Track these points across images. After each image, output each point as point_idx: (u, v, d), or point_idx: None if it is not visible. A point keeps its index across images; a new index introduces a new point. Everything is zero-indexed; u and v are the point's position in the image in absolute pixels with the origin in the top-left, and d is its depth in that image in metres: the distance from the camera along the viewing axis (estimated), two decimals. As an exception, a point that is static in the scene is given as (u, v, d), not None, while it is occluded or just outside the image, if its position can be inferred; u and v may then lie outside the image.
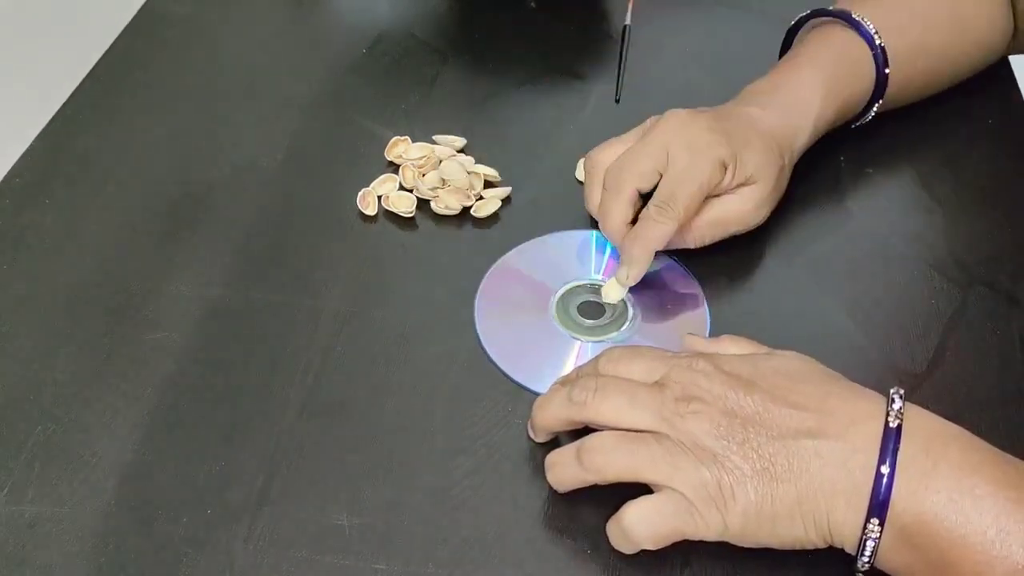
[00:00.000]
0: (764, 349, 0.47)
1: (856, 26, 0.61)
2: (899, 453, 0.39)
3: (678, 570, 0.43)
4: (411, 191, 0.61)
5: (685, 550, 0.43)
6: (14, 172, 0.63)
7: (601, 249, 0.58)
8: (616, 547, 0.43)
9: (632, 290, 0.55)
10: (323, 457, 0.47)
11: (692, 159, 0.53)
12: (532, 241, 0.58)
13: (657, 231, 0.53)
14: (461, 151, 0.64)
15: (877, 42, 0.60)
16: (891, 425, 0.40)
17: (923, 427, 0.41)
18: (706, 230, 0.55)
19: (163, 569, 0.43)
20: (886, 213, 0.61)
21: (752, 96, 0.59)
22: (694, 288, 0.56)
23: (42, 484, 0.46)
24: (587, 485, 0.44)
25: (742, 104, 0.59)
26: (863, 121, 0.64)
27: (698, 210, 0.54)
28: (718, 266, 0.57)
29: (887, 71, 0.61)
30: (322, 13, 0.79)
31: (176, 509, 0.45)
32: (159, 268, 0.56)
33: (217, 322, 0.54)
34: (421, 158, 0.62)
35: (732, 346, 0.48)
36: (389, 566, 0.43)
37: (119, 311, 0.54)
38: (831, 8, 0.63)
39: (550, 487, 0.46)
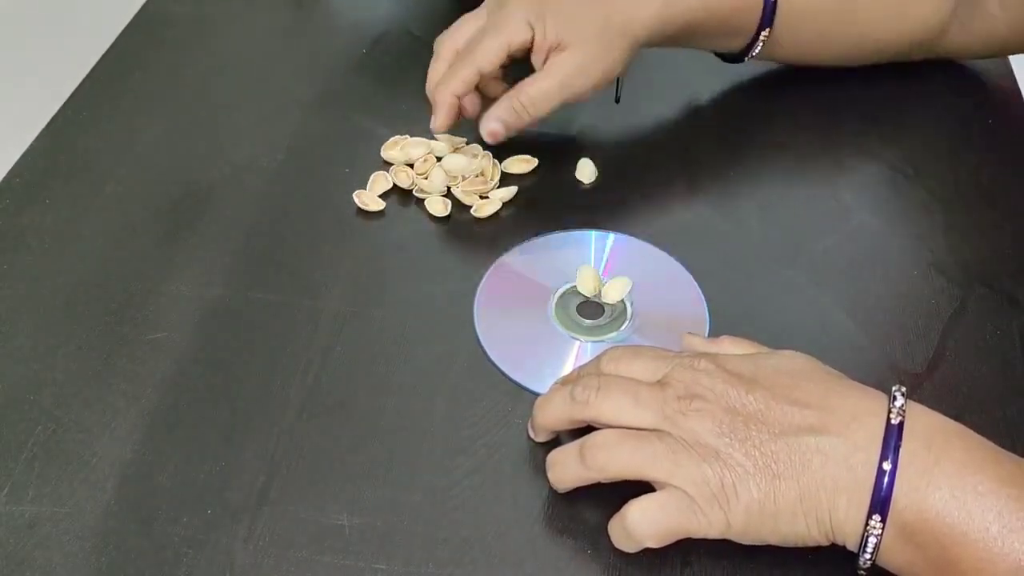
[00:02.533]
0: (764, 349, 0.47)
1: None
2: (901, 450, 0.39)
3: (678, 570, 0.43)
4: (411, 190, 0.61)
5: (685, 549, 0.43)
6: (14, 172, 0.63)
7: (601, 249, 0.58)
8: (618, 546, 0.43)
9: (632, 290, 0.55)
10: (323, 457, 0.47)
11: (497, 16, 0.56)
12: (532, 241, 0.58)
13: (455, 76, 0.57)
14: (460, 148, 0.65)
15: None
16: (893, 422, 0.40)
17: (925, 424, 0.41)
18: (533, 96, 0.57)
19: (163, 569, 0.43)
20: (886, 213, 0.61)
21: None
22: (693, 288, 0.56)
23: (42, 484, 0.46)
24: (589, 483, 0.44)
25: None
26: (753, 51, 0.64)
27: (500, 65, 0.57)
28: (718, 266, 0.57)
29: None
30: (322, 13, 0.79)
31: (176, 509, 0.45)
32: (159, 268, 0.56)
33: (217, 322, 0.54)
34: (419, 158, 0.62)
35: (732, 346, 0.48)
36: (389, 566, 0.43)
37: (119, 311, 0.54)
38: None
39: (550, 487, 0.46)
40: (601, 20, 0.57)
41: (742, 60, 0.65)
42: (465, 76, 0.57)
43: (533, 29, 0.56)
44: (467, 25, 0.60)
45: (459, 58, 0.58)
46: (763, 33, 0.62)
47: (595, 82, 0.58)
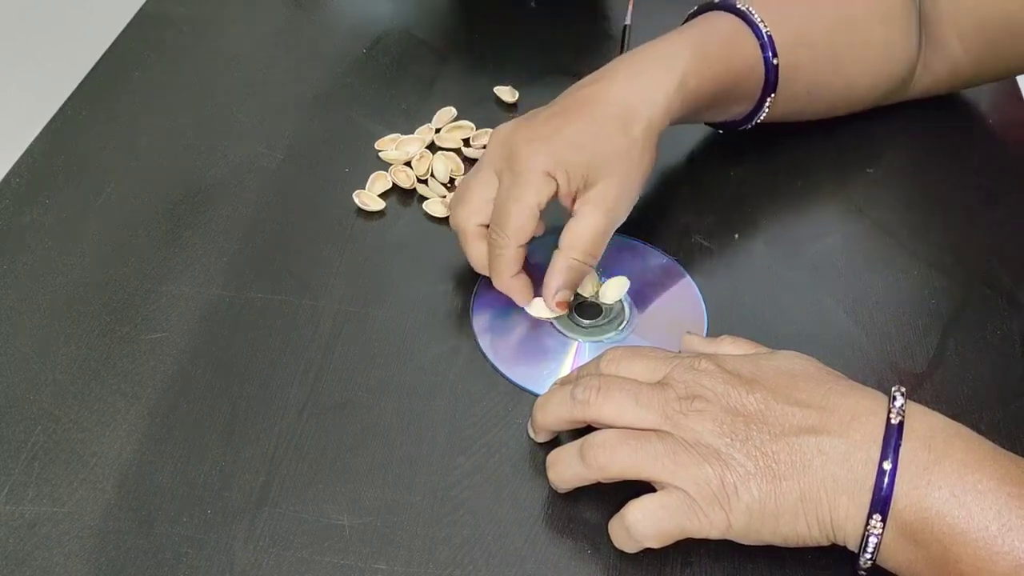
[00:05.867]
0: (764, 349, 0.47)
1: (742, 15, 0.59)
2: (901, 449, 0.39)
3: (678, 570, 0.43)
4: (411, 190, 0.62)
5: (686, 550, 0.43)
6: (14, 172, 0.63)
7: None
8: (619, 546, 0.43)
9: (630, 290, 0.55)
10: (323, 457, 0.47)
11: (514, 179, 0.51)
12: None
13: (500, 261, 0.52)
14: (467, 140, 0.65)
15: (763, 30, 0.58)
16: (893, 422, 0.40)
17: (925, 424, 0.41)
18: (586, 246, 0.52)
19: (163, 569, 0.43)
20: (887, 212, 0.61)
21: (607, 68, 0.56)
22: (692, 288, 0.56)
23: (42, 484, 0.46)
24: (589, 483, 0.44)
25: (592, 80, 0.55)
26: (759, 117, 0.61)
27: (536, 227, 0.51)
28: (718, 266, 0.57)
29: (776, 60, 0.58)
30: (322, 13, 0.79)
31: (176, 509, 0.45)
32: (159, 268, 0.56)
33: (217, 322, 0.54)
34: (415, 155, 0.63)
35: (732, 346, 0.48)
36: (389, 566, 0.43)
37: (119, 311, 0.54)
38: (717, 0, 0.60)
39: (550, 487, 0.46)
40: (621, 138, 0.52)
41: (745, 126, 0.63)
42: (512, 256, 0.51)
43: (556, 179, 0.51)
44: (478, 190, 0.53)
45: (495, 236, 0.51)
46: (768, 98, 0.60)
47: (636, 196, 0.54)
